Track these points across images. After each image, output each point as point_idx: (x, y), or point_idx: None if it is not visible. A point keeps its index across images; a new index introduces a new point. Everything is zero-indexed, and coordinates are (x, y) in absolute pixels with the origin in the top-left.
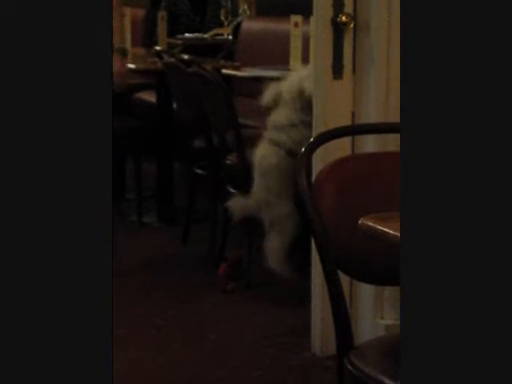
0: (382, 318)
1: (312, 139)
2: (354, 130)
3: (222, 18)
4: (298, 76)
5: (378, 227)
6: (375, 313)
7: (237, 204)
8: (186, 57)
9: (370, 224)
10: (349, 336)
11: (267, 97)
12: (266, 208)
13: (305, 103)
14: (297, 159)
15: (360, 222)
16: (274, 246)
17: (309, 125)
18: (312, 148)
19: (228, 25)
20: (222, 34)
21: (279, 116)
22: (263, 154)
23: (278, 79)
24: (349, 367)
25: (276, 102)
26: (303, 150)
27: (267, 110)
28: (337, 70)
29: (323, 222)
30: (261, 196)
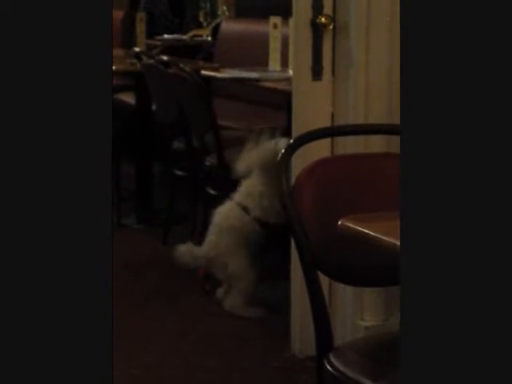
0: (362, 319)
1: (292, 140)
2: (334, 132)
3: (201, 19)
4: (267, 150)
5: (358, 228)
6: (355, 314)
7: (185, 250)
8: (165, 58)
9: (350, 225)
10: (328, 337)
11: (240, 167)
12: (218, 265)
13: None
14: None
15: (340, 222)
16: (234, 303)
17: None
18: (292, 149)
19: (207, 26)
20: (201, 36)
21: (250, 185)
22: (227, 215)
23: (256, 81)
24: (328, 368)
25: (249, 172)
26: (283, 150)
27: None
28: (316, 72)
29: (303, 223)
30: (212, 253)
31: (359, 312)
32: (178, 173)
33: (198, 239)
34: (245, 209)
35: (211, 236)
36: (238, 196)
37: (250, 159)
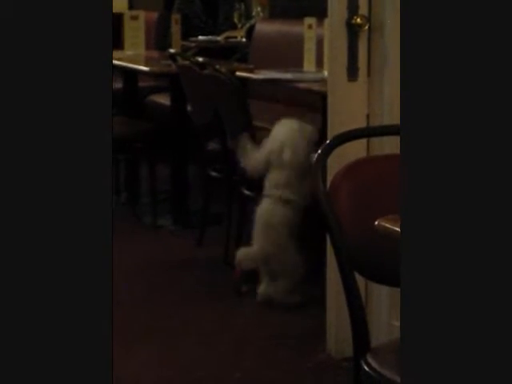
0: (398, 319)
1: (328, 141)
2: (370, 132)
3: (236, 20)
4: (280, 140)
5: (395, 228)
6: (391, 314)
7: (244, 255)
8: (200, 59)
9: (387, 225)
10: (366, 337)
11: (254, 167)
12: (269, 259)
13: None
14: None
15: (377, 223)
16: (279, 294)
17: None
18: (328, 150)
19: (241, 27)
20: (235, 37)
21: (282, 175)
22: (271, 211)
23: (291, 82)
24: (366, 369)
25: (268, 163)
26: (319, 151)
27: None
28: (352, 72)
29: (339, 224)
30: (267, 250)
31: (395, 312)
32: (213, 174)
33: (235, 240)
34: (289, 201)
35: (260, 235)
36: (275, 190)
37: (265, 151)
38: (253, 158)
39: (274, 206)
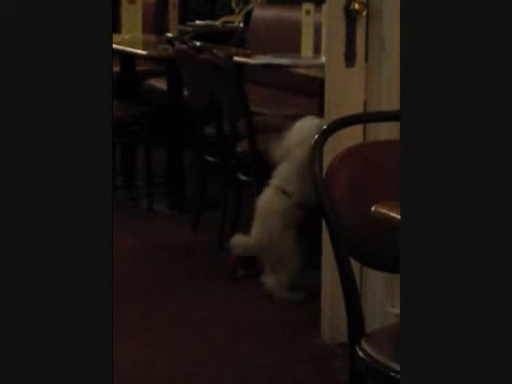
0: (393, 305)
1: (325, 126)
2: (367, 118)
3: (233, 5)
4: (309, 132)
5: (392, 214)
6: (386, 300)
7: (238, 242)
8: (197, 44)
9: (384, 211)
10: (360, 323)
11: (277, 153)
12: (269, 250)
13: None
14: (311, 149)
15: (373, 208)
16: (277, 286)
17: None
18: (325, 135)
19: (239, 12)
20: (233, 22)
21: (289, 168)
22: (270, 200)
23: (288, 67)
24: (360, 354)
25: (283, 157)
26: (316, 136)
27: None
28: (349, 58)
29: (336, 209)
30: (262, 239)
31: (390, 298)
32: (209, 159)
33: (230, 225)
34: (285, 193)
35: (258, 224)
36: (277, 180)
37: (286, 142)
38: (279, 147)
39: (274, 197)
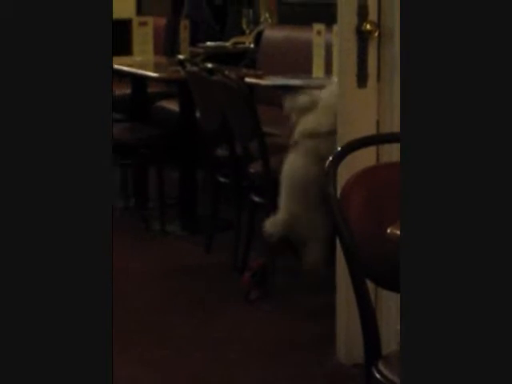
0: None
1: (340, 148)
2: (382, 139)
3: (244, 26)
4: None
5: None
6: (399, 321)
7: (271, 225)
8: (209, 65)
9: (399, 233)
10: (377, 345)
11: (303, 98)
12: (300, 222)
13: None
14: (325, 171)
15: (389, 230)
16: (316, 258)
17: None
18: (340, 157)
19: (249, 33)
20: (244, 43)
21: (315, 123)
22: (294, 167)
23: (301, 88)
24: (377, 376)
25: (311, 107)
26: (330, 158)
27: (298, 114)
28: (361, 79)
29: (351, 231)
30: (292, 210)
31: None
32: (222, 180)
33: (244, 247)
34: (316, 153)
35: (289, 195)
36: (303, 141)
37: (314, 95)
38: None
39: (302, 159)
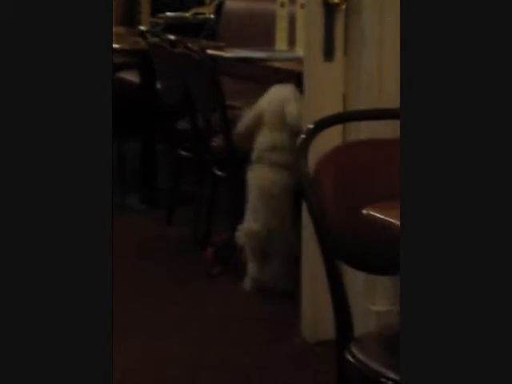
0: (374, 304)
1: (312, 125)
2: (354, 116)
3: None
4: (278, 96)
5: (384, 217)
6: (366, 299)
7: (247, 234)
8: (171, 37)
9: (376, 214)
10: (349, 327)
11: (245, 123)
12: (271, 235)
13: (287, 128)
14: (297, 149)
15: (364, 212)
16: (277, 272)
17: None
18: (312, 135)
19: (210, 3)
20: (204, 13)
21: (267, 138)
22: (263, 177)
23: (265, 60)
24: (350, 359)
25: (257, 124)
26: (302, 136)
27: (249, 131)
28: (328, 52)
29: (323, 211)
30: (270, 223)
31: (371, 297)
32: (183, 153)
33: (205, 221)
34: (282, 166)
35: (260, 208)
36: (268, 154)
37: (257, 110)
38: (244, 116)
39: (271, 172)
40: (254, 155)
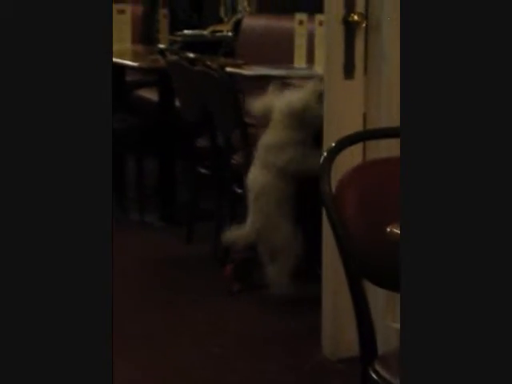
0: (394, 321)
1: (333, 144)
2: (377, 134)
3: (222, 14)
4: (288, 97)
5: None
6: (387, 316)
7: (233, 234)
8: (190, 55)
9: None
10: (373, 345)
11: (258, 106)
12: (265, 236)
13: (296, 123)
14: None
15: (389, 229)
16: (277, 275)
17: (301, 143)
18: (334, 153)
19: (228, 21)
20: (221, 31)
21: (269, 136)
22: (254, 177)
23: (284, 78)
24: (374, 377)
25: (266, 117)
26: (325, 155)
27: (258, 122)
28: (348, 70)
29: (347, 230)
30: (258, 222)
31: (391, 313)
32: (202, 171)
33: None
34: (266, 165)
35: (252, 209)
36: (259, 155)
37: (268, 103)
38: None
39: (264, 174)
40: (255, 155)
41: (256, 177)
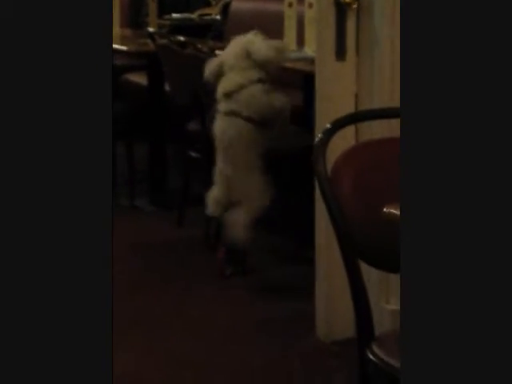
0: (388, 302)
1: (329, 125)
2: (371, 115)
3: None
4: (240, 41)
5: None
6: (380, 297)
7: (212, 198)
8: (181, 38)
9: (397, 212)
10: (370, 326)
11: (208, 71)
12: (233, 184)
13: (253, 62)
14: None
15: (385, 209)
16: (239, 221)
17: (263, 81)
18: (329, 135)
19: (216, 4)
20: (210, 14)
21: (226, 83)
22: (223, 128)
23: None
24: (371, 358)
25: (219, 73)
26: (320, 136)
27: (213, 78)
28: (340, 52)
29: (342, 211)
30: (226, 170)
31: (385, 295)
32: (193, 154)
33: (216, 221)
34: (232, 113)
35: (219, 156)
36: (220, 104)
37: (217, 61)
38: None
39: (227, 121)
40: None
41: (220, 125)
